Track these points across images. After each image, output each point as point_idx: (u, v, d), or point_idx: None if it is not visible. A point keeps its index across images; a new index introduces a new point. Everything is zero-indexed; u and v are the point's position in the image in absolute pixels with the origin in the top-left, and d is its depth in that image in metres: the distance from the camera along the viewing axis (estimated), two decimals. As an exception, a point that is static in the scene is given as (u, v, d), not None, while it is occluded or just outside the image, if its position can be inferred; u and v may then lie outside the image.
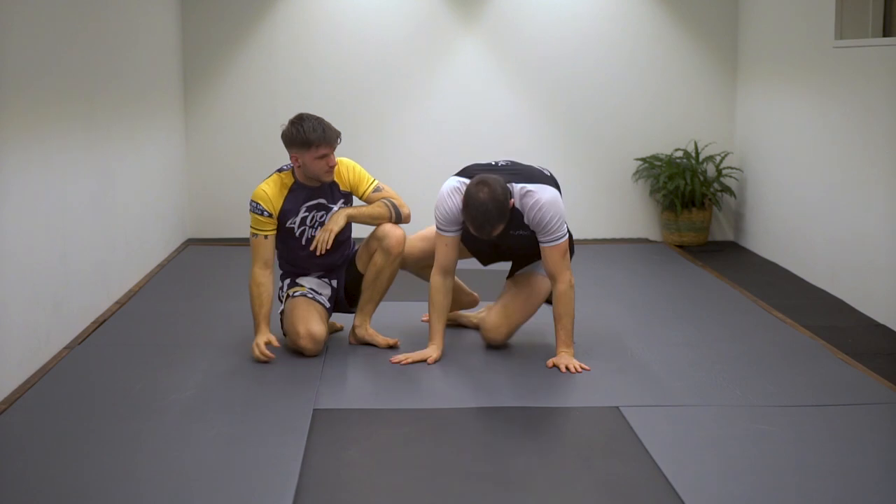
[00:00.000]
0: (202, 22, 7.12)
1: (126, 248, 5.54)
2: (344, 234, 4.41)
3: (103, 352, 4.40)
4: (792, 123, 6.31)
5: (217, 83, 7.17)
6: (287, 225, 4.32)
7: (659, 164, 7.12)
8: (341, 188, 4.36)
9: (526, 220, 4.11)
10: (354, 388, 3.94)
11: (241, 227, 7.26)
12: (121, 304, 5.23)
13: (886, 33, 5.48)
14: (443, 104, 7.24)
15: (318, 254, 4.29)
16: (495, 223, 3.94)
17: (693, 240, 7.07)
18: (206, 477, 3.08)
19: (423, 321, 4.73)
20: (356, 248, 4.53)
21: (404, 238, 4.35)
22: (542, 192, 4.08)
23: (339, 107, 7.18)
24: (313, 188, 4.31)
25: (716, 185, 7.10)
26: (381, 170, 6.94)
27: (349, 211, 4.32)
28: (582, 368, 4.10)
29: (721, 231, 7.37)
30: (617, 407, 3.68)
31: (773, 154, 6.63)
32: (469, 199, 3.95)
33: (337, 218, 4.29)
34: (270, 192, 4.28)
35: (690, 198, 6.99)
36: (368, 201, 4.39)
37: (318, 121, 4.24)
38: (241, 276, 5.97)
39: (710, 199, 7.07)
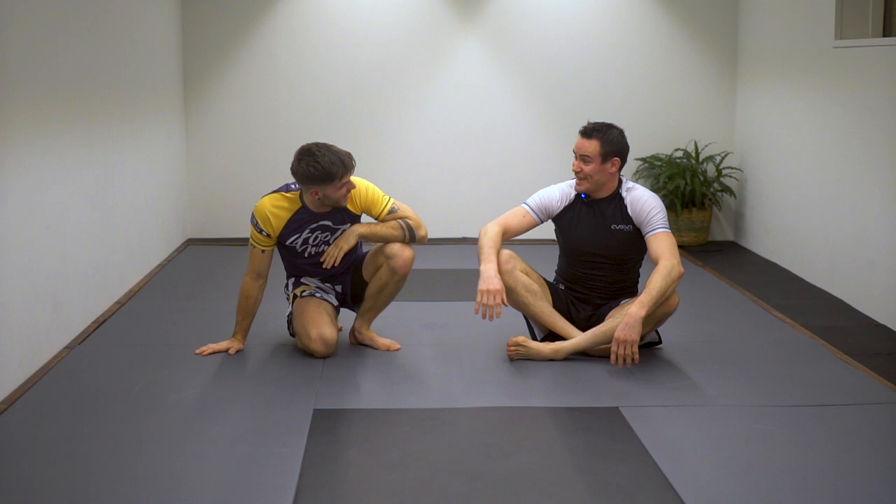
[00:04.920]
0: (202, 22, 7.12)
1: (126, 248, 5.53)
2: (349, 255, 4.38)
3: (103, 352, 4.40)
4: (792, 123, 6.31)
5: (217, 83, 7.17)
6: (288, 243, 4.31)
7: (659, 164, 7.12)
8: (352, 211, 4.28)
9: (630, 211, 4.24)
10: (354, 388, 3.94)
11: (241, 227, 7.26)
12: (121, 304, 5.23)
13: (886, 33, 5.48)
14: (442, 104, 7.24)
15: (325, 268, 4.29)
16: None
17: (693, 240, 7.07)
18: (206, 477, 3.08)
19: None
20: (364, 251, 4.50)
21: (412, 260, 4.30)
22: (646, 190, 4.31)
23: (338, 106, 7.19)
24: (322, 213, 4.24)
25: (716, 185, 7.10)
26: (380, 169, 6.95)
27: (361, 230, 4.27)
28: (634, 347, 3.94)
29: (721, 231, 7.37)
30: (617, 407, 3.68)
31: (773, 154, 6.63)
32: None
33: (348, 237, 4.25)
34: (272, 214, 4.22)
35: (690, 198, 6.99)
36: (384, 223, 4.31)
37: (331, 151, 4.07)
38: (241, 277, 5.97)
39: (710, 199, 7.08)
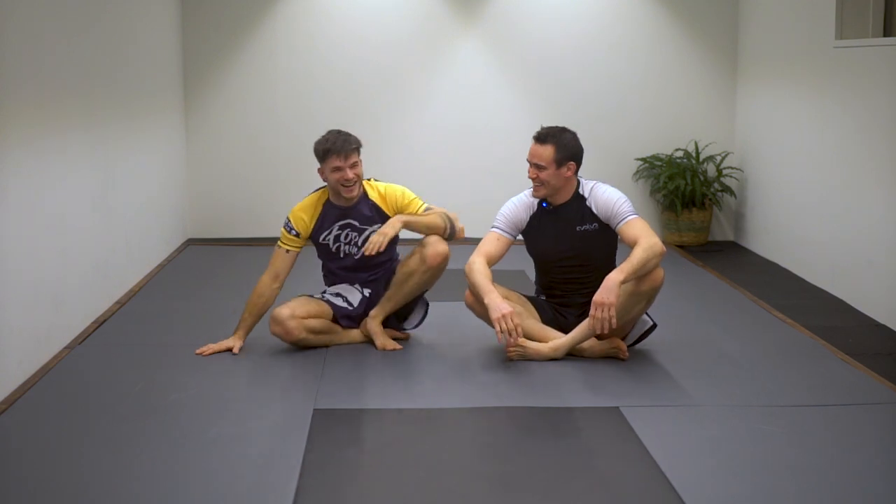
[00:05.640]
0: (202, 22, 7.12)
1: (126, 248, 5.54)
2: (387, 255, 4.43)
3: (103, 352, 4.40)
4: (792, 123, 6.31)
5: (217, 83, 7.17)
6: (321, 241, 4.40)
7: (659, 164, 7.12)
8: (383, 211, 4.37)
9: (595, 210, 4.23)
10: (354, 388, 3.94)
11: (241, 227, 7.27)
12: (121, 304, 5.23)
13: (886, 33, 5.48)
14: (442, 103, 7.24)
15: (367, 254, 4.27)
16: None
17: (693, 240, 7.07)
18: (206, 477, 3.07)
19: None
20: (399, 260, 4.54)
21: (446, 256, 4.33)
22: (606, 186, 4.30)
23: (338, 106, 7.19)
24: (344, 208, 4.36)
25: (716, 185, 7.10)
26: (381, 169, 6.94)
27: (405, 218, 4.31)
28: (612, 311, 3.92)
29: (721, 231, 7.37)
30: (617, 407, 3.68)
31: (774, 154, 6.63)
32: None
33: (394, 222, 4.27)
34: (304, 212, 4.39)
35: (691, 198, 6.99)
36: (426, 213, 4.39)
37: (339, 133, 4.26)
38: (241, 276, 5.97)
39: (710, 199, 7.08)
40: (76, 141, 4.71)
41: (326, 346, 4.41)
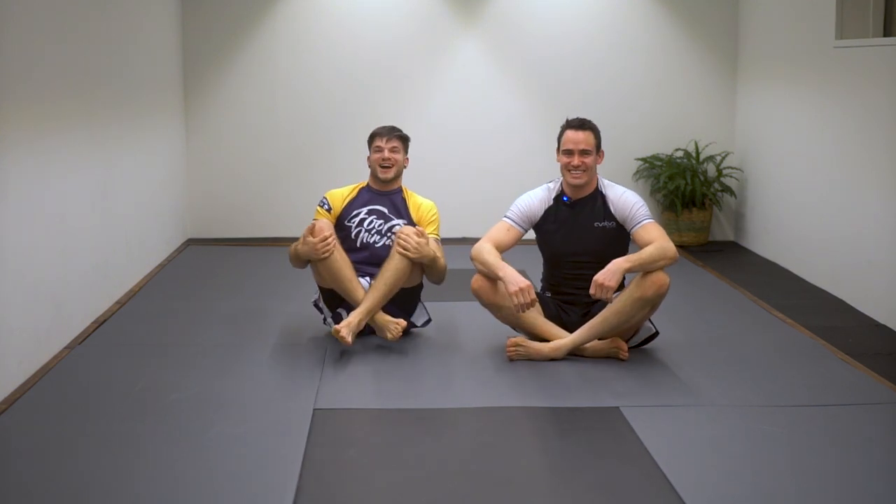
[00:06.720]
0: (202, 22, 7.11)
1: (126, 248, 5.53)
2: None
3: (103, 352, 4.40)
4: (792, 123, 6.32)
5: (217, 84, 7.17)
6: (346, 223, 4.54)
7: (659, 164, 7.12)
8: (411, 214, 4.61)
9: (613, 209, 4.27)
10: (354, 388, 3.94)
11: (241, 227, 7.26)
12: (121, 304, 5.23)
13: (886, 33, 5.48)
14: (442, 103, 7.24)
15: (397, 240, 4.36)
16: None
17: (693, 240, 7.07)
18: (206, 477, 3.08)
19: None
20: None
21: (418, 248, 4.34)
22: (623, 187, 4.39)
23: (338, 107, 7.19)
24: (378, 194, 4.63)
25: (716, 185, 7.10)
26: (382, 170, 6.94)
27: (431, 254, 4.41)
28: (610, 294, 3.99)
29: (721, 231, 7.37)
30: (617, 407, 3.68)
31: (773, 154, 6.63)
32: None
33: (425, 250, 4.37)
34: (340, 192, 4.66)
35: (691, 198, 6.99)
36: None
37: (391, 125, 4.71)
38: (241, 276, 5.98)
39: (710, 199, 7.08)
40: (76, 141, 4.71)
41: (339, 290, 4.39)
